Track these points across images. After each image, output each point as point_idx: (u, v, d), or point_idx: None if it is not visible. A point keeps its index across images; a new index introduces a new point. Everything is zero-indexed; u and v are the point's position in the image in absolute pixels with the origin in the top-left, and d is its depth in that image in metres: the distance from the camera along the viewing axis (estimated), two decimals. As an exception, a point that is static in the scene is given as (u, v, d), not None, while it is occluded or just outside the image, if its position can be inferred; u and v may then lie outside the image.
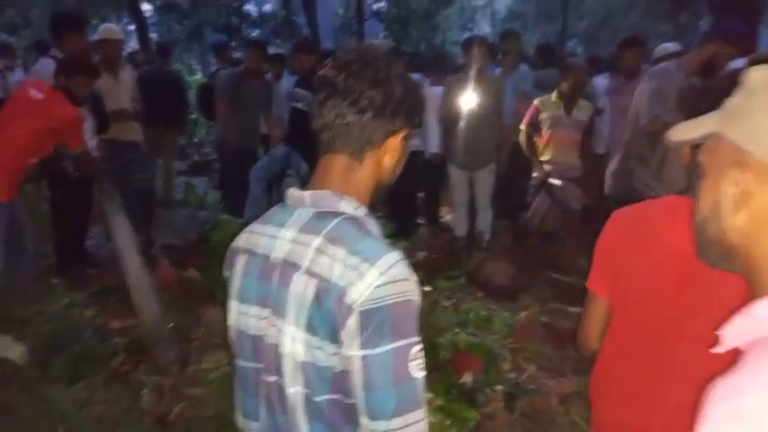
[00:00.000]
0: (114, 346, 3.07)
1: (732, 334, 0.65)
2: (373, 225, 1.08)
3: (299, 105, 4.98)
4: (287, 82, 6.08)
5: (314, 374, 1.00)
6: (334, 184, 1.07)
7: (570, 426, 2.66)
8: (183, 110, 6.19)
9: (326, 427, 1.02)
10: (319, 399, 1.01)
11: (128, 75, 4.75)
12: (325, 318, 0.98)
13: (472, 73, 4.47)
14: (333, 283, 0.97)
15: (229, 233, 3.64)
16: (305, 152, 4.91)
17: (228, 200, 5.07)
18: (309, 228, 1.04)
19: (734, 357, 0.63)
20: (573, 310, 3.80)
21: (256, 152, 5.42)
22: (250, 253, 1.11)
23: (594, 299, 1.49)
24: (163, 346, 2.98)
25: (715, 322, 0.70)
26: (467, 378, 2.75)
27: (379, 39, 16.57)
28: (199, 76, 14.52)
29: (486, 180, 4.70)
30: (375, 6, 17.29)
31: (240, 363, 1.13)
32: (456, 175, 4.77)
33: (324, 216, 1.05)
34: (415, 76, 4.63)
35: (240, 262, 1.12)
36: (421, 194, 5.80)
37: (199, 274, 3.72)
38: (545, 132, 4.43)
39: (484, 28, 22.32)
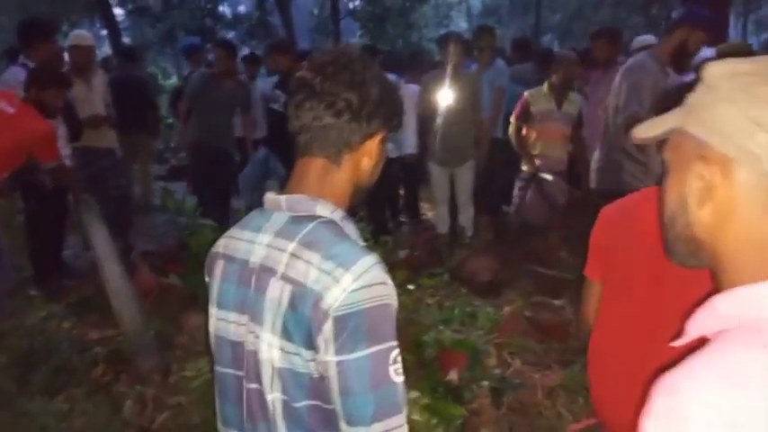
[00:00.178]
0: (94, 356, 3.02)
1: (695, 327, 0.66)
2: (350, 228, 1.06)
3: (275, 106, 4.95)
4: (263, 83, 6.04)
5: (291, 381, 0.99)
6: (310, 187, 1.06)
7: (557, 418, 2.67)
8: (152, 114, 6.12)
9: None
10: (298, 405, 1.00)
11: (100, 80, 4.68)
12: (301, 323, 0.96)
13: (448, 70, 4.47)
14: (308, 288, 0.96)
15: (209, 239, 3.60)
16: (283, 154, 4.89)
17: (203, 203, 5.00)
18: (285, 232, 1.03)
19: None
20: (556, 302, 3.83)
21: (231, 154, 5.31)
22: (228, 258, 1.10)
23: (590, 284, 1.68)
24: (144, 354, 2.94)
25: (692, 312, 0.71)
26: (452, 375, 2.75)
27: (355, 37, 16.55)
28: (174, 80, 14.38)
29: (466, 176, 4.71)
30: (350, 5, 17.26)
31: (220, 369, 1.12)
32: (436, 172, 4.77)
33: (299, 220, 1.04)
34: (391, 76, 4.63)
35: (219, 267, 1.11)
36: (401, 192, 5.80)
37: (179, 281, 3.68)
38: (535, 126, 4.42)
39: (460, 24, 22.43)
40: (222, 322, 1.09)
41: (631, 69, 3.23)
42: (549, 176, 4.41)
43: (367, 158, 1.08)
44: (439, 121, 4.54)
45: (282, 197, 1.07)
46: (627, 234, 1.48)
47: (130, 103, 5.36)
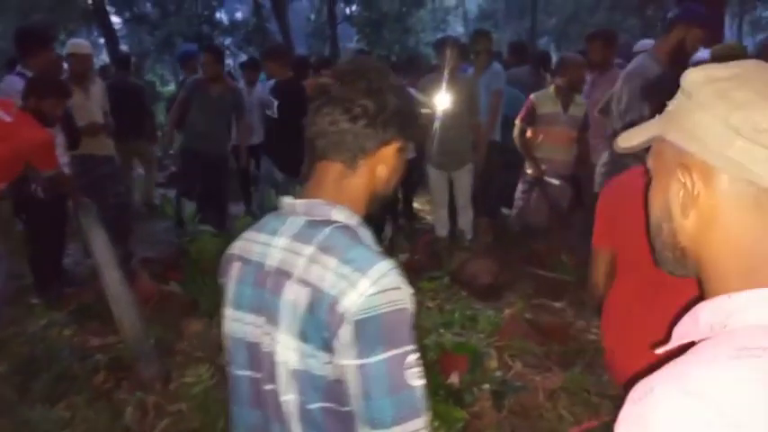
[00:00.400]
0: (95, 363, 3.02)
1: (678, 333, 0.66)
2: (366, 234, 1.08)
3: (269, 112, 4.97)
4: (262, 88, 6.05)
5: (307, 383, 1.00)
6: (327, 192, 1.08)
7: (558, 420, 2.67)
8: (148, 120, 6.15)
9: None
10: (313, 407, 1.01)
11: (98, 89, 4.70)
12: (318, 327, 0.98)
13: (445, 74, 4.48)
14: (325, 293, 0.97)
15: (209, 245, 3.61)
16: (278, 159, 4.90)
17: (201, 209, 5.01)
18: (301, 236, 1.04)
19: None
20: (557, 305, 3.83)
21: (223, 160, 5.26)
22: (244, 260, 1.11)
23: (598, 253, 1.85)
24: (145, 362, 2.94)
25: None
26: (453, 378, 2.75)
27: (352, 43, 16.58)
28: (172, 87, 14.39)
29: (464, 179, 4.71)
30: (347, 10, 17.30)
31: (235, 371, 1.12)
32: (435, 175, 4.78)
33: (316, 224, 1.05)
34: None
35: (235, 269, 1.13)
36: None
37: (179, 287, 3.68)
38: (541, 129, 4.40)
39: (456, 28, 22.49)
40: (238, 324, 1.10)
41: (631, 74, 3.19)
42: (554, 181, 4.39)
43: (383, 165, 1.09)
44: (436, 124, 4.54)
45: (299, 201, 1.08)
46: (631, 205, 1.52)
47: (128, 109, 5.38)
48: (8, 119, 3.29)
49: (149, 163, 6.61)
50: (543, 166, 4.40)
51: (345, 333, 0.95)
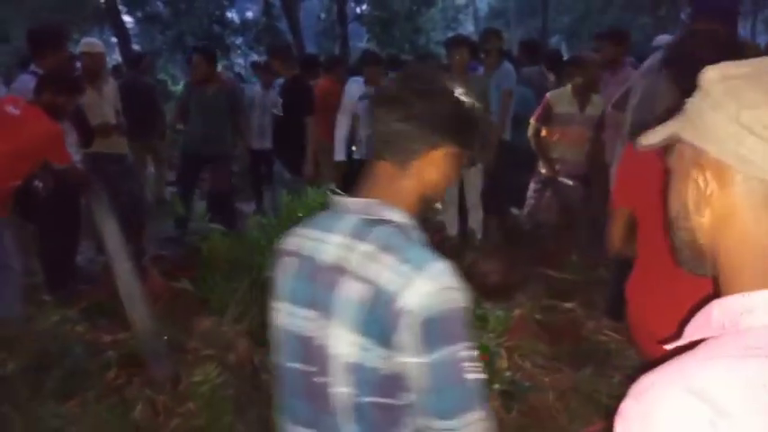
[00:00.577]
0: (107, 360, 3.04)
1: (690, 330, 0.65)
2: (418, 235, 1.10)
3: (275, 111, 5.00)
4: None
5: (361, 376, 1.03)
6: (380, 192, 1.11)
7: (569, 421, 2.66)
8: (159, 118, 6.23)
9: (371, 428, 1.05)
10: (365, 400, 1.04)
11: (111, 88, 4.73)
12: (375, 322, 1.01)
13: (456, 73, 4.47)
14: (384, 290, 1.01)
15: (220, 244, 3.62)
16: (286, 158, 4.92)
17: (211, 208, 5.04)
18: (358, 234, 1.07)
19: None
20: (567, 305, 3.81)
21: (224, 159, 5.28)
22: (297, 255, 1.14)
23: (616, 212, 1.93)
24: (155, 361, 2.94)
25: None
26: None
27: (362, 42, 16.58)
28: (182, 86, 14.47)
29: (474, 179, 4.70)
30: (358, 9, 17.31)
31: (286, 364, 1.16)
32: (444, 175, 4.77)
33: (372, 223, 1.08)
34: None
35: (287, 264, 1.16)
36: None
37: (190, 285, 3.69)
38: (556, 129, 4.35)
39: (467, 27, 22.43)
40: (290, 317, 1.13)
41: (647, 73, 3.10)
42: (568, 181, 4.35)
43: (433, 169, 1.11)
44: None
45: (353, 200, 1.12)
46: (652, 168, 1.54)
47: (140, 108, 5.44)
48: (16, 112, 3.32)
49: (160, 161, 6.67)
50: (557, 166, 4.38)
51: (406, 330, 0.99)
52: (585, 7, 18.79)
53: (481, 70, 5.12)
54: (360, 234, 1.06)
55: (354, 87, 4.74)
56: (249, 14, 19.77)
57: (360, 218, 1.09)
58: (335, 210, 1.14)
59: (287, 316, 1.14)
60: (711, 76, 0.67)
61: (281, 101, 4.90)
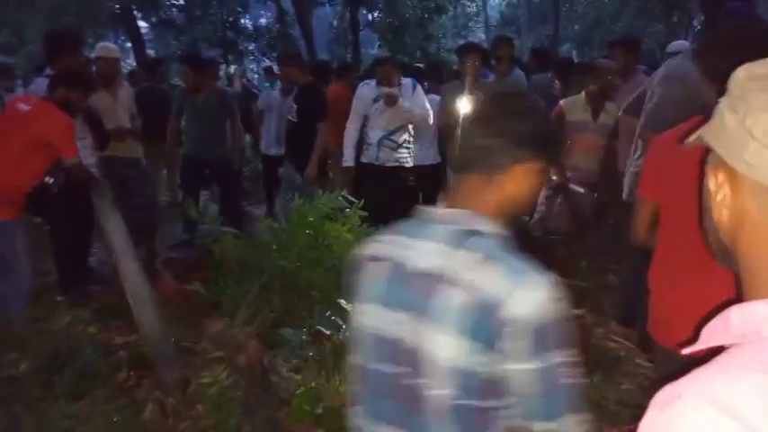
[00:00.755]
0: (118, 361, 3.06)
1: (707, 335, 0.64)
2: (512, 246, 1.14)
3: (290, 117, 5.03)
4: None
5: (460, 379, 1.06)
6: (469, 203, 1.15)
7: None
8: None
9: (465, 430, 1.08)
10: (462, 403, 1.07)
11: (125, 92, 4.78)
12: (478, 328, 1.04)
13: (468, 80, 4.48)
14: (488, 297, 1.04)
15: (231, 246, 3.65)
16: (299, 163, 4.95)
17: (223, 211, 5.09)
18: (454, 243, 1.11)
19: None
20: (577, 312, 3.80)
21: (224, 164, 5.35)
22: (383, 261, 1.18)
23: (642, 202, 1.98)
24: (164, 365, 2.94)
25: None
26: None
27: (374, 49, 16.64)
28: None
29: (484, 185, 4.70)
30: (369, 17, 17.38)
31: (370, 365, 1.19)
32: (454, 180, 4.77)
33: (465, 233, 1.12)
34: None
35: (371, 269, 1.20)
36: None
37: (202, 287, 3.72)
38: (569, 136, 4.33)
39: (478, 35, 22.45)
40: (376, 320, 1.17)
41: (670, 77, 2.96)
42: (580, 189, 4.33)
43: (519, 183, 1.16)
44: (458, 130, 4.53)
45: (445, 210, 1.16)
46: (680, 161, 1.54)
47: (156, 113, 5.52)
48: (26, 108, 3.39)
49: (173, 165, 6.71)
50: (568, 174, 4.36)
51: (512, 337, 1.03)
52: (597, 15, 18.75)
53: (492, 77, 5.13)
54: (456, 243, 1.10)
55: (366, 90, 4.74)
56: (262, 21, 19.91)
57: (453, 228, 1.13)
58: (422, 219, 1.19)
59: (373, 318, 1.17)
60: (738, 75, 0.66)
61: (295, 107, 4.93)
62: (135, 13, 14.13)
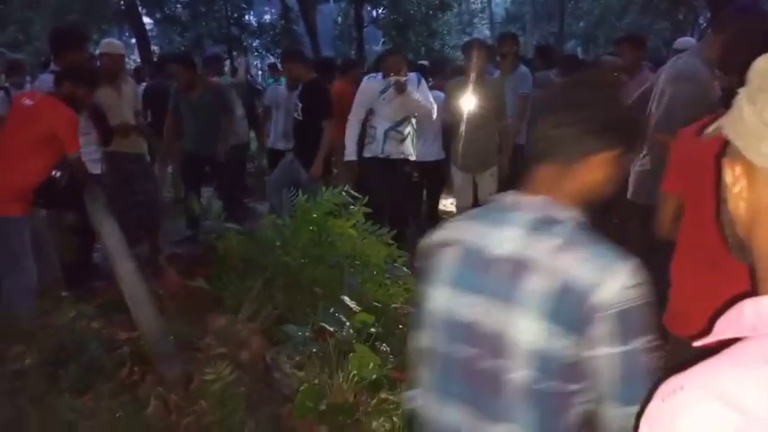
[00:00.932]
0: (122, 356, 3.07)
1: (720, 327, 0.64)
2: (590, 232, 1.15)
3: (295, 115, 5.03)
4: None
5: (542, 363, 1.08)
6: (549, 192, 1.16)
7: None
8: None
9: (543, 413, 1.09)
10: (542, 386, 1.08)
11: (130, 88, 4.79)
12: (565, 313, 1.06)
13: (473, 76, 4.48)
14: (575, 283, 1.06)
15: (235, 243, 3.65)
16: (305, 161, 4.95)
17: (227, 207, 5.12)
18: (535, 230, 1.13)
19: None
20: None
21: (221, 159, 5.42)
22: (460, 247, 1.20)
23: (665, 196, 2.03)
24: (165, 362, 2.95)
25: None
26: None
27: (378, 45, 16.62)
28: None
29: (488, 183, 4.70)
30: (374, 13, 17.35)
31: (441, 347, 1.20)
32: (460, 178, 4.77)
33: (547, 221, 1.14)
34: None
35: (448, 254, 1.21)
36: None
37: (205, 283, 3.73)
38: None
39: (483, 32, 22.40)
40: (453, 304, 1.18)
41: (679, 77, 2.92)
42: None
43: (598, 171, 1.16)
44: (463, 127, 4.54)
45: (526, 198, 1.17)
46: (700, 154, 1.56)
47: (165, 109, 5.57)
48: (30, 103, 3.44)
49: (173, 160, 6.72)
50: None
51: (600, 322, 1.04)
52: (602, 12, 18.67)
53: (497, 74, 5.12)
54: (537, 230, 1.12)
55: (372, 83, 4.72)
56: (267, 18, 19.89)
57: (534, 215, 1.14)
58: (500, 206, 1.20)
59: (447, 302, 1.19)
60: (759, 65, 0.65)
61: (300, 105, 4.94)
62: (140, 9, 14.14)
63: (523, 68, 5.16)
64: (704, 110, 2.30)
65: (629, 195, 3.46)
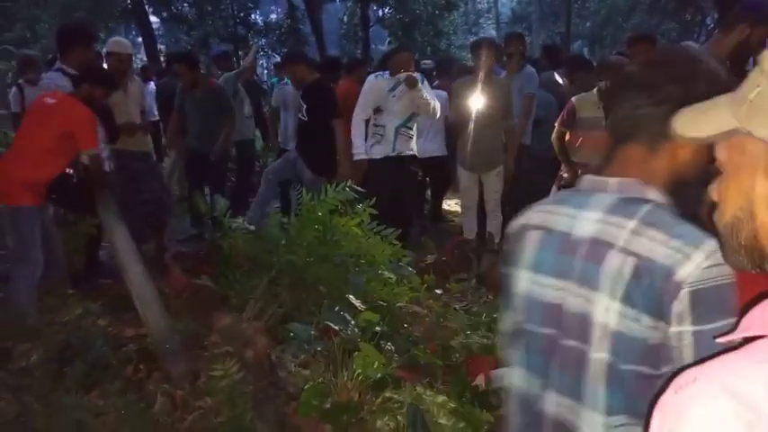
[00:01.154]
0: (128, 354, 3.08)
1: (745, 324, 0.62)
2: (676, 214, 1.13)
3: (300, 116, 5.05)
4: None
5: (624, 344, 1.06)
6: (633, 172, 1.14)
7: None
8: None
9: (625, 395, 1.08)
10: (624, 368, 1.07)
11: (136, 87, 4.81)
12: (647, 293, 1.05)
13: (481, 75, 4.47)
14: (657, 263, 1.04)
15: (241, 241, 3.66)
16: (309, 160, 4.96)
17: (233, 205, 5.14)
18: (619, 211, 1.11)
19: None
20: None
21: (224, 156, 5.56)
22: (545, 230, 1.20)
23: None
24: (171, 360, 2.96)
25: None
26: (479, 381, 2.75)
27: (384, 45, 16.61)
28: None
29: (493, 182, 4.70)
30: (380, 13, 17.34)
31: (528, 327, 1.21)
32: (465, 177, 4.77)
33: (631, 201, 1.11)
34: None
35: (532, 237, 1.22)
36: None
37: (211, 282, 3.74)
38: (580, 133, 4.31)
39: (489, 32, 22.36)
40: (537, 286, 1.19)
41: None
42: None
43: (684, 150, 1.12)
44: (470, 126, 4.54)
45: (611, 179, 1.15)
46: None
47: (173, 107, 5.64)
48: (53, 101, 3.58)
49: (178, 157, 6.73)
50: (579, 171, 4.34)
51: (682, 301, 1.02)
52: (608, 12, 18.60)
53: (504, 74, 5.11)
54: (623, 211, 1.10)
55: (380, 81, 4.71)
56: (273, 17, 19.92)
57: (617, 196, 1.13)
58: (584, 188, 1.19)
59: (532, 284, 1.20)
60: None
61: (305, 106, 4.94)
62: (146, 7, 14.18)
63: (529, 68, 5.15)
64: None
65: None
